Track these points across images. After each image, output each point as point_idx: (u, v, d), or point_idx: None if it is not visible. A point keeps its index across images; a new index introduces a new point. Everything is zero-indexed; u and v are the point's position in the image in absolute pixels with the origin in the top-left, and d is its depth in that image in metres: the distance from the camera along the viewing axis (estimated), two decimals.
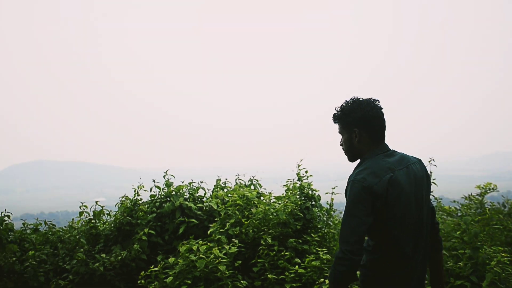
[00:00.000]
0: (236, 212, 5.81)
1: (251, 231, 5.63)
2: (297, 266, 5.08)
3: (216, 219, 6.00)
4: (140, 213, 6.23)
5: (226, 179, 7.01)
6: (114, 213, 6.58)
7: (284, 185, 6.22)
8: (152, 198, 6.48)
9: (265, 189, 6.76)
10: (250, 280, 5.39)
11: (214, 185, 7.00)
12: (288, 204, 5.70)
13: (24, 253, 6.10)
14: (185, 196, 6.40)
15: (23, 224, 6.72)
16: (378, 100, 2.55)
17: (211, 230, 5.70)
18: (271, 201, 6.15)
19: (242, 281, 5.12)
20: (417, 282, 2.50)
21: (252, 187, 6.78)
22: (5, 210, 6.04)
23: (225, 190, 6.81)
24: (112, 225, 6.34)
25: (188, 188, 6.55)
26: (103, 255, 5.85)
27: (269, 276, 5.07)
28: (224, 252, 5.21)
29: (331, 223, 6.06)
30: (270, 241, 5.35)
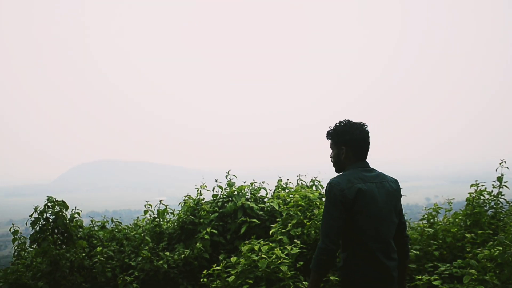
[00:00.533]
0: (298, 213, 5.77)
1: (313, 232, 5.58)
2: None
3: (278, 219, 5.99)
4: (202, 213, 6.32)
5: (288, 179, 7.00)
6: (177, 212, 6.71)
7: None
8: (215, 198, 6.57)
9: None
10: None
11: (276, 186, 7.00)
12: None
13: (92, 249, 6.32)
14: (246, 196, 6.44)
15: (91, 221, 6.97)
16: (366, 125, 3.08)
17: (272, 230, 5.70)
18: None
19: (304, 282, 5.08)
20: (391, 280, 2.93)
21: (314, 188, 6.73)
22: (75, 207, 6.27)
23: (287, 190, 6.79)
24: (176, 224, 6.47)
25: (250, 188, 6.59)
26: (167, 253, 5.97)
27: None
28: (286, 252, 5.19)
29: None
30: None
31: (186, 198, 6.66)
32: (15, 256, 6.37)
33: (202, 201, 6.57)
